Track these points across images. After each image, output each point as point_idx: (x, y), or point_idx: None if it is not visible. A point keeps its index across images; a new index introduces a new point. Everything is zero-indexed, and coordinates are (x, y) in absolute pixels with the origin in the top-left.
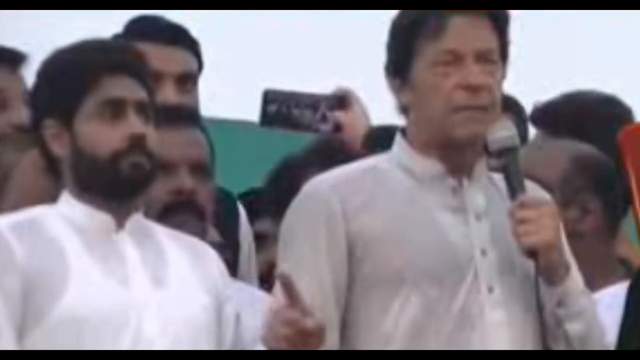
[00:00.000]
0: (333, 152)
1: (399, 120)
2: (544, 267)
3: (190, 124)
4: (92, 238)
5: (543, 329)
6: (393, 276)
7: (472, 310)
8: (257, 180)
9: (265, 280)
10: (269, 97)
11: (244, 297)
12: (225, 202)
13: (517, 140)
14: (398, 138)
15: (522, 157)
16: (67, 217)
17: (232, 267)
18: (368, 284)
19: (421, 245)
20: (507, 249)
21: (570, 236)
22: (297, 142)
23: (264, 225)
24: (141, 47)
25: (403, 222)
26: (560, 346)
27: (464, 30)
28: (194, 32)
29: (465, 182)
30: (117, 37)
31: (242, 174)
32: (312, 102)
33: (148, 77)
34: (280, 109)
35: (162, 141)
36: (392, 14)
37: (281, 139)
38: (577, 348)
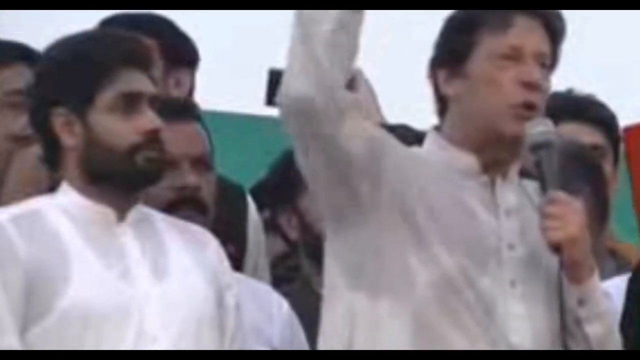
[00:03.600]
0: None
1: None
2: (568, 263)
3: (189, 118)
4: (93, 231)
5: (563, 325)
6: (433, 238)
7: (494, 297)
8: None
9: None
10: (275, 77)
11: (244, 290)
12: (232, 195)
13: (552, 136)
14: (432, 134)
15: None
16: (67, 209)
17: (238, 261)
18: (404, 227)
19: (457, 227)
20: (535, 247)
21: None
22: None
23: (264, 215)
24: None
25: (439, 201)
26: (579, 346)
27: (528, 30)
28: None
29: (498, 180)
30: None
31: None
32: None
33: (154, 71)
34: None
35: (163, 136)
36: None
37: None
38: (596, 349)
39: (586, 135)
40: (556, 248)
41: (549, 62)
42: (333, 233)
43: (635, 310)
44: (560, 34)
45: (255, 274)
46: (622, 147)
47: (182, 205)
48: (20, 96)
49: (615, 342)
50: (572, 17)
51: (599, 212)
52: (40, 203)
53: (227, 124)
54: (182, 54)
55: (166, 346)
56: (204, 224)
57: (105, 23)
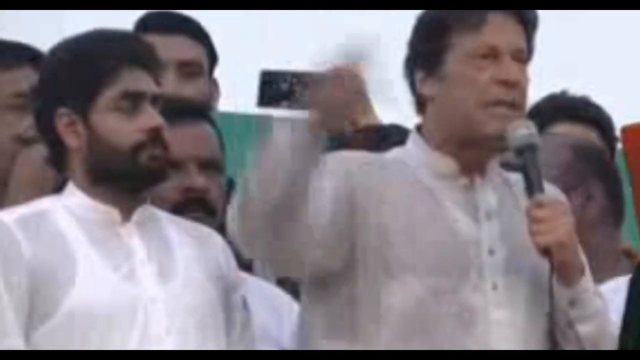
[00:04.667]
0: (336, 146)
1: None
2: (558, 267)
3: (199, 119)
4: (98, 231)
5: (554, 327)
6: (401, 266)
7: (475, 307)
8: None
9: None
10: (267, 77)
11: (253, 291)
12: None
13: (536, 139)
14: (413, 134)
15: None
16: (73, 210)
17: (249, 261)
18: (375, 266)
19: (431, 241)
20: (516, 249)
21: (576, 225)
22: None
23: None
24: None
25: (415, 215)
26: (571, 346)
27: (502, 27)
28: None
29: (477, 180)
30: None
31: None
32: (312, 79)
33: (158, 71)
34: (280, 87)
35: (171, 138)
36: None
37: None
38: (588, 348)
39: (581, 135)
40: (545, 252)
41: (525, 56)
42: (310, 299)
43: (636, 310)
44: (533, 26)
45: (264, 274)
46: (619, 147)
47: (189, 207)
48: (25, 98)
49: (609, 341)
50: (569, 17)
51: (613, 212)
52: (46, 204)
53: (227, 124)
54: (216, 57)
55: (171, 346)
56: (211, 225)
57: (140, 23)
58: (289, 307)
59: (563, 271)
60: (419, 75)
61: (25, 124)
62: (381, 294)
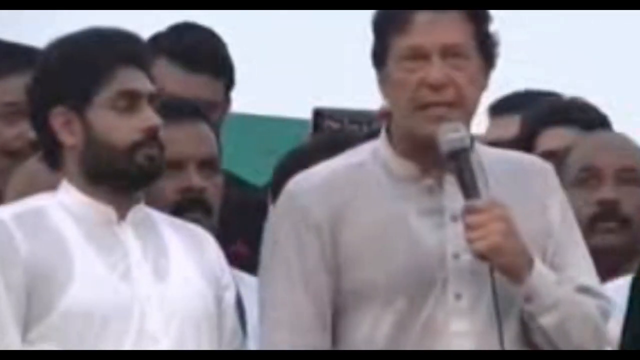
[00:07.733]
0: (339, 146)
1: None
2: (500, 269)
3: (197, 119)
4: (94, 229)
5: (500, 333)
6: (368, 292)
7: (437, 319)
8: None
9: None
10: (321, 116)
11: (250, 290)
12: (251, 197)
13: (467, 142)
14: (383, 133)
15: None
16: (68, 207)
17: (249, 261)
18: (346, 297)
19: (395, 260)
20: None
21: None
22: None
23: None
24: None
25: (379, 231)
26: (539, 339)
27: (429, 26)
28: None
29: (447, 179)
30: None
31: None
32: (366, 118)
33: (152, 69)
34: (331, 127)
35: (169, 138)
36: None
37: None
38: (556, 339)
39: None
40: (482, 257)
41: (469, 50)
42: None
43: (636, 315)
44: (479, 13)
45: None
46: None
47: (188, 208)
48: (15, 107)
49: (586, 325)
50: (567, 18)
51: None
52: (42, 200)
53: (226, 124)
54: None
55: (167, 346)
56: (209, 225)
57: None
58: None
59: (507, 273)
60: (377, 77)
61: (12, 133)
62: (353, 324)
